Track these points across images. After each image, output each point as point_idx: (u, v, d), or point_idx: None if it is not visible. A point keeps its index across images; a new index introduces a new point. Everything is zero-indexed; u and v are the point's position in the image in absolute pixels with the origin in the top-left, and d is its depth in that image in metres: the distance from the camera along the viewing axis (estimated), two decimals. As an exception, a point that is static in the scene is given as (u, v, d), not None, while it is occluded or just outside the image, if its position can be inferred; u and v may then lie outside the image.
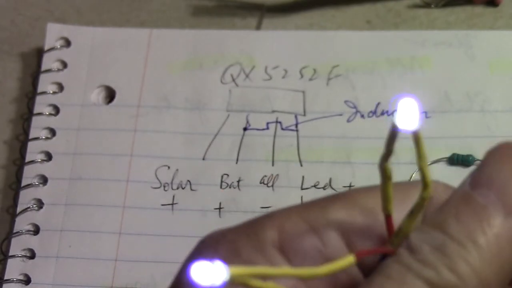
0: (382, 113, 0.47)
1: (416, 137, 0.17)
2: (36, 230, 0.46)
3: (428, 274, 0.17)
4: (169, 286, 0.20)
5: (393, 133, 0.17)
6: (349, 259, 0.17)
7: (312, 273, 0.17)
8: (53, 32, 0.51)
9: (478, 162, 0.44)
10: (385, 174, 0.17)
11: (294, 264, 0.18)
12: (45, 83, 0.50)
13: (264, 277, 0.17)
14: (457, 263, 0.17)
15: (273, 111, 0.47)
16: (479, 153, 0.44)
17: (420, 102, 0.17)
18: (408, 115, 0.17)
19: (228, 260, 0.18)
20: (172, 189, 0.46)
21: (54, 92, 0.49)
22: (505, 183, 0.18)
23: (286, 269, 0.17)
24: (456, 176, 0.44)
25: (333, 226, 0.19)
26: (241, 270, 0.16)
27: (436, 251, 0.17)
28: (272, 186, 0.46)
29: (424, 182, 0.17)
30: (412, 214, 0.18)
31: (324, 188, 0.45)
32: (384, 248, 0.18)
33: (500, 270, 0.17)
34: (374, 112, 0.47)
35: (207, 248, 0.20)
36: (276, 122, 0.47)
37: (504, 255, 0.17)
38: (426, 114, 0.46)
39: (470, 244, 0.17)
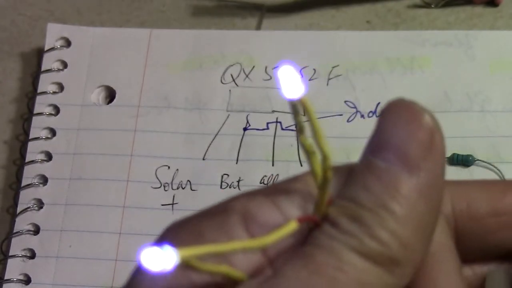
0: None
1: (304, 105, 0.16)
2: (36, 230, 0.46)
3: (353, 243, 0.17)
4: (128, 278, 0.19)
5: (290, 105, 0.17)
6: (292, 225, 0.17)
7: (261, 243, 0.17)
8: (53, 32, 0.51)
9: (478, 162, 0.44)
10: (306, 149, 0.17)
11: None
12: (45, 83, 0.50)
13: (219, 256, 0.17)
14: (375, 231, 0.17)
15: (273, 111, 0.47)
16: (479, 153, 0.45)
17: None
18: (291, 83, 0.17)
19: (191, 243, 0.18)
20: (172, 189, 0.46)
21: (54, 92, 0.49)
22: (401, 141, 0.18)
23: (235, 244, 0.17)
24: (456, 176, 0.44)
25: (294, 202, 0.19)
26: (191, 251, 0.16)
27: (355, 222, 0.17)
28: (272, 186, 0.46)
29: (323, 152, 0.17)
30: (321, 185, 0.18)
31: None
32: (313, 216, 0.18)
33: (418, 227, 0.18)
34: (374, 112, 0.47)
35: (169, 233, 0.19)
36: (276, 122, 0.47)
37: (417, 212, 0.18)
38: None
39: (382, 211, 0.17)
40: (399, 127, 0.18)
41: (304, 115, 0.17)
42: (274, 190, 0.19)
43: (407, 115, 0.18)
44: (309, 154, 0.18)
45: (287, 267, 0.17)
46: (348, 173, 0.19)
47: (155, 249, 0.15)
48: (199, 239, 0.18)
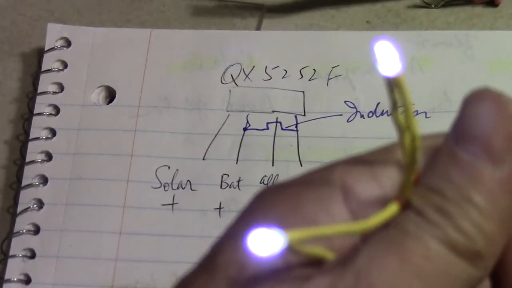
0: (382, 113, 0.47)
1: (399, 84, 0.16)
2: (37, 230, 0.46)
3: (439, 234, 0.17)
4: (220, 238, 0.19)
5: (387, 82, 0.17)
6: (393, 208, 0.17)
7: (364, 227, 0.17)
8: (53, 32, 0.51)
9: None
10: (398, 124, 0.17)
11: (357, 216, 0.18)
12: (45, 83, 0.50)
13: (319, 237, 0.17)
14: (461, 223, 0.17)
15: (273, 111, 0.47)
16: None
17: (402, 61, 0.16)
18: (388, 59, 0.17)
19: (288, 216, 0.18)
20: (172, 189, 0.46)
21: (54, 92, 0.49)
22: (487, 133, 0.18)
23: (339, 227, 0.17)
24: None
25: (390, 175, 0.19)
26: (298, 234, 0.16)
27: (440, 213, 0.17)
28: (272, 186, 0.46)
29: (412, 133, 0.17)
30: (409, 166, 0.18)
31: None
32: (405, 200, 0.18)
33: (501, 220, 0.18)
34: (374, 112, 0.47)
35: (267, 200, 0.19)
36: (276, 122, 0.47)
37: (501, 205, 0.18)
38: (426, 114, 0.46)
39: (466, 204, 0.17)
40: (484, 118, 0.18)
41: (398, 94, 0.17)
42: (370, 161, 0.19)
43: (493, 106, 0.18)
44: (401, 130, 0.17)
45: (378, 253, 0.17)
46: (433, 155, 0.18)
47: (264, 232, 0.15)
48: (299, 212, 0.18)
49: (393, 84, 0.16)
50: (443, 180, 0.18)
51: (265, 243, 0.15)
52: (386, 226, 0.17)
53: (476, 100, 0.18)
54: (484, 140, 0.18)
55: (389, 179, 0.19)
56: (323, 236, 0.17)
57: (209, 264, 0.19)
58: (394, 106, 0.17)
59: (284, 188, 0.19)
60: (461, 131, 0.18)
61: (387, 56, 0.16)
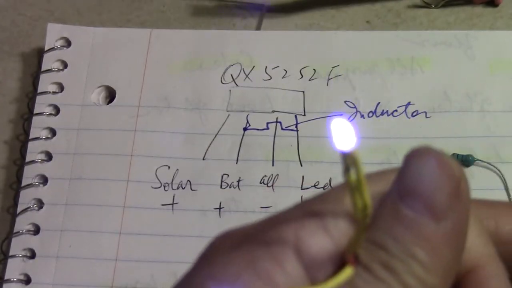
0: (382, 113, 0.47)
1: (353, 158, 0.17)
2: (36, 230, 0.46)
3: None
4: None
5: (342, 156, 0.17)
6: (348, 271, 0.18)
7: None
8: (53, 32, 0.51)
9: (478, 162, 0.44)
10: (349, 187, 0.18)
11: (311, 271, 0.19)
12: (45, 83, 0.50)
13: None
14: (405, 279, 0.18)
15: (273, 111, 0.47)
16: (479, 153, 0.45)
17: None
18: (342, 135, 0.17)
19: (245, 272, 0.18)
20: (172, 189, 0.46)
21: (54, 92, 0.49)
22: (428, 190, 0.18)
23: None
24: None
25: (341, 229, 0.19)
26: None
27: (386, 269, 0.18)
28: (272, 186, 0.46)
29: (363, 202, 0.18)
30: (358, 226, 0.18)
31: (324, 188, 0.45)
32: (356, 260, 0.19)
33: (443, 273, 0.18)
34: (374, 112, 0.47)
35: (220, 254, 0.19)
36: (276, 122, 0.47)
37: (444, 259, 0.18)
38: (426, 114, 0.46)
39: (410, 260, 0.18)
40: (427, 176, 0.19)
41: (352, 168, 0.17)
42: (321, 213, 0.19)
43: (434, 164, 0.19)
44: (352, 191, 0.18)
45: None
46: (378, 206, 0.19)
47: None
48: (255, 269, 0.18)
49: (348, 158, 0.17)
50: (388, 236, 0.18)
51: None
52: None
53: (418, 157, 0.19)
54: (427, 197, 0.18)
55: (339, 231, 0.19)
56: None
57: None
58: (346, 169, 0.17)
59: (238, 244, 0.20)
60: (404, 187, 0.19)
61: (343, 132, 0.17)
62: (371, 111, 0.47)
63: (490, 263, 0.20)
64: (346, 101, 0.47)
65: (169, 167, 0.47)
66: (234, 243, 0.20)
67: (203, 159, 0.47)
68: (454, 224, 0.19)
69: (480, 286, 0.20)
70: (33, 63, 0.52)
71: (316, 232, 0.19)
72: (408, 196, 0.19)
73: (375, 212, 0.19)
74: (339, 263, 0.19)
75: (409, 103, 0.47)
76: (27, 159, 0.48)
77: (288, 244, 0.19)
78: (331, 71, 0.48)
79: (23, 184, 0.47)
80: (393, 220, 0.19)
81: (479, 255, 0.20)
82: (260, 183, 0.46)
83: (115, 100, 0.49)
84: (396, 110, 0.47)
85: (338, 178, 0.45)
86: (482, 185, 0.44)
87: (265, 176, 0.46)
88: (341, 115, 0.47)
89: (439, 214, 0.18)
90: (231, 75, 0.49)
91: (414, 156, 0.19)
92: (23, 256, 0.45)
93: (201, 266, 0.20)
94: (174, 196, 0.46)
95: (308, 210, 0.20)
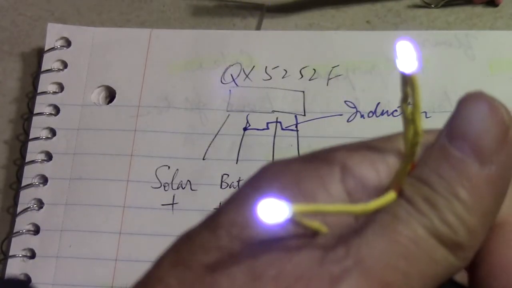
0: (382, 113, 0.47)
1: (413, 80, 0.18)
2: (36, 230, 0.46)
3: (426, 223, 0.18)
4: (227, 200, 0.20)
5: (403, 78, 0.19)
6: (391, 196, 0.19)
7: (363, 210, 0.18)
8: (53, 32, 0.51)
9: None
10: (404, 116, 0.19)
11: (352, 196, 0.19)
12: (45, 83, 0.50)
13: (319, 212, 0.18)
14: (446, 215, 0.18)
15: (273, 111, 0.47)
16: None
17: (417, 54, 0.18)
18: (406, 57, 0.18)
19: (289, 188, 0.19)
20: (172, 189, 0.46)
21: (54, 92, 0.49)
22: (477, 134, 0.19)
23: (341, 207, 0.18)
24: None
25: (388, 163, 0.20)
26: (302, 208, 0.17)
27: (428, 204, 0.19)
28: (272, 186, 0.46)
29: (415, 128, 0.19)
30: (407, 158, 0.19)
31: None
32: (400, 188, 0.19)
33: (483, 216, 0.19)
34: (374, 112, 0.47)
35: (270, 175, 0.20)
36: (276, 122, 0.47)
37: (484, 202, 0.19)
38: (426, 114, 0.46)
39: (452, 198, 0.19)
40: (477, 119, 0.19)
41: (410, 90, 0.18)
42: (372, 147, 0.20)
43: (485, 108, 0.19)
44: (406, 122, 0.19)
45: (370, 233, 0.18)
46: (427, 149, 0.20)
47: (273, 202, 0.16)
48: (299, 186, 0.19)
49: (407, 81, 0.18)
50: (433, 174, 0.19)
51: (272, 212, 0.17)
52: (379, 211, 0.19)
53: (470, 101, 0.20)
54: (474, 140, 0.19)
55: (386, 166, 0.20)
56: (325, 212, 0.18)
57: (212, 223, 0.20)
58: (405, 99, 0.18)
59: (288, 163, 0.20)
60: (454, 129, 0.19)
61: (407, 55, 0.18)
62: (371, 111, 0.47)
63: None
64: (346, 101, 0.47)
65: (169, 167, 0.47)
66: (280, 167, 0.20)
67: (203, 159, 0.47)
68: (498, 169, 0.19)
69: (505, 241, 0.20)
70: (33, 63, 0.52)
71: (363, 163, 0.20)
72: (456, 137, 0.19)
73: (424, 152, 0.20)
74: (380, 189, 0.19)
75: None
76: (27, 159, 0.48)
77: (335, 167, 0.19)
78: (331, 71, 0.48)
79: (23, 184, 0.47)
80: (440, 158, 0.19)
81: (509, 210, 0.21)
82: (260, 183, 0.46)
83: (115, 100, 0.49)
84: (396, 110, 0.47)
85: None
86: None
87: (265, 176, 0.46)
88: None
89: (485, 157, 0.19)
90: (231, 75, 0.49)
91: (467, 100, 0.20)
92: (23, 256, 0.45)
93: (250, 182, 0.20)
94: (174, 196, 0.46)
95: (359, 144, 0.20)
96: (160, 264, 0.20)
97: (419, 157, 0.20)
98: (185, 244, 0.20)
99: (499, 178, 0.19)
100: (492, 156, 0.19)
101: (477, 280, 0.20)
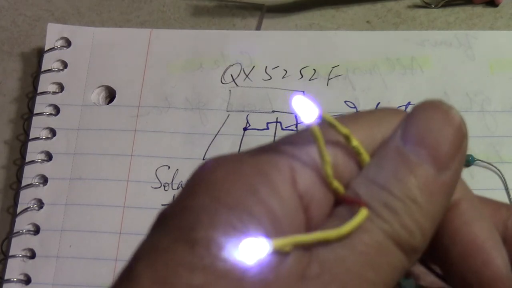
0: (382, 113, 0.47)
1: (314, 131, 0.19)
2: (36, 230, 0.46)
3: (386, 228, 0.19)
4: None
5: (310, 131, 0.19)
6: (363, 213, 0.19)
7: (339, 234, 0.19)
8: (53, 32, 0.51)
9: (478, 161, 0.44)
10: (315, 135, 0.19)
11: (303, 201, 0.19)
12: (45, 83, 0.50)
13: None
14: (405, 220, 0.19)
15: (273, 111, 0.47)
16: (479, 153, 0.45)
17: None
18: (305, 110, 0.19)
19: (245, 197, 0.19)
20: (172, 189, 0.46)
21: (54, 92, 0.49)
22: (436, 141, 0.20)
23: (319, 235, 0.19)
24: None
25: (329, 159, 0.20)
26: (282, 242, 0.18)
27: (387, 209, 0.19)
28: (272, 186, 0.46)
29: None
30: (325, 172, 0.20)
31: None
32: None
33: (434, 219, 0.20)
34: (374, 112, 0.47)
35: (219, 179, 0.20)
36: (276, 122, 0.47)
37: (437, 206, 0.20)
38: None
39: (411, 203, 0.19)
40: (436, 128, 0.20)
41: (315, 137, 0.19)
42: (308, 146, 0.20)
43: (445, 117, 0.20)
44: (316, 140, 0.19)
45: (340, 247, 0.19)
46: (379, 148, 0.20)
47: (252, 242, 0.17)
48: (253, 195, 0.19)
49: (311, 131, 0.19)
50: (391, 178, 0.19)
51: (253, 250, 0.17)
52: (343, 219, 0.19)
53: (430, 109, 0.20)
54: (433, 146, 0.20)
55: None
56: (304, 243, 0.18)
57: (183, 236, 0.19)
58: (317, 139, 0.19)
59: (236, 168, 0.20)
60: (411, 134, 0.20)
61: (305, 107, 0.19)
62: (371, 111, 0.47)
63: (465, 200, 0.22)
64: (346, 101, 0.47)
65: (169, 167, 0.47)
66: (230, 169, 0.20)
67: (203, 159, 0.47)
68: (452, 176, 0.20)
69: (467, 219, 0.21)
70: (33, 63, 0.52)
71: (308, 164, 0.20)
72: (414, 142, 0.20)
73: (377, 154, 0.20)
74: (327, 192, 0.20)
75: (409, 103, 0.47)
76: (27, 159, 0.48)
77: (285, 174, 0.20)
78: (331, 71, 0.48)
79: (23, 184, 0.47)
80: (398, 163, 0.20)
81: (459, 194, 0.21)
82: (260, 183, 0.46)
83: (115, 100, 0.49)
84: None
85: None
86: (482, 185, 0.44)
87: (265, 176, 0.46)
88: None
89: (442, 163, 0.20)
90: (231, 75, 0.49)
91: (426, 107, 0.20)
92: (23, 256, 0.45)
93: (203, 189, 0.20)
94: (174, 196, 0.46)
95: (296, 143, 0.21)
96: (137, 280, 0.19)
97: (371, 154, 0.20)
98: (160, 259, 0.19)
99: (452, 183, 0.20)
100: (449, 163, 0.20)
101: (452, 264, 0.21)
